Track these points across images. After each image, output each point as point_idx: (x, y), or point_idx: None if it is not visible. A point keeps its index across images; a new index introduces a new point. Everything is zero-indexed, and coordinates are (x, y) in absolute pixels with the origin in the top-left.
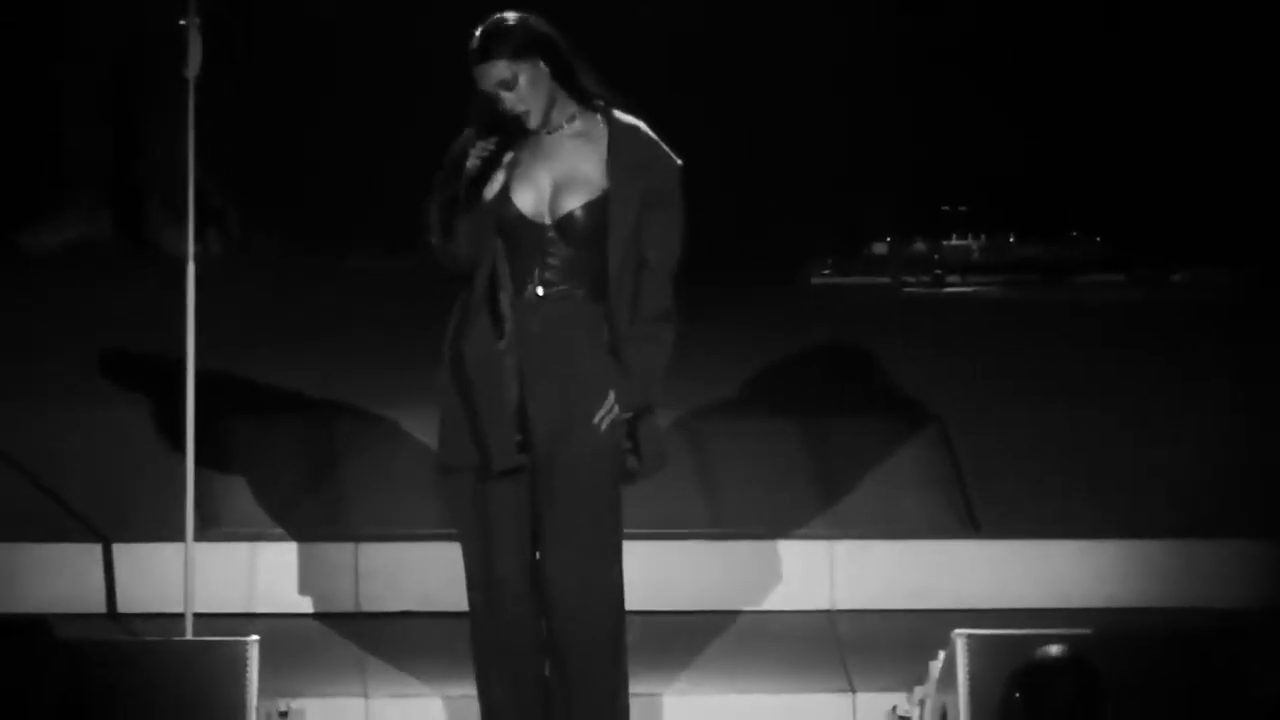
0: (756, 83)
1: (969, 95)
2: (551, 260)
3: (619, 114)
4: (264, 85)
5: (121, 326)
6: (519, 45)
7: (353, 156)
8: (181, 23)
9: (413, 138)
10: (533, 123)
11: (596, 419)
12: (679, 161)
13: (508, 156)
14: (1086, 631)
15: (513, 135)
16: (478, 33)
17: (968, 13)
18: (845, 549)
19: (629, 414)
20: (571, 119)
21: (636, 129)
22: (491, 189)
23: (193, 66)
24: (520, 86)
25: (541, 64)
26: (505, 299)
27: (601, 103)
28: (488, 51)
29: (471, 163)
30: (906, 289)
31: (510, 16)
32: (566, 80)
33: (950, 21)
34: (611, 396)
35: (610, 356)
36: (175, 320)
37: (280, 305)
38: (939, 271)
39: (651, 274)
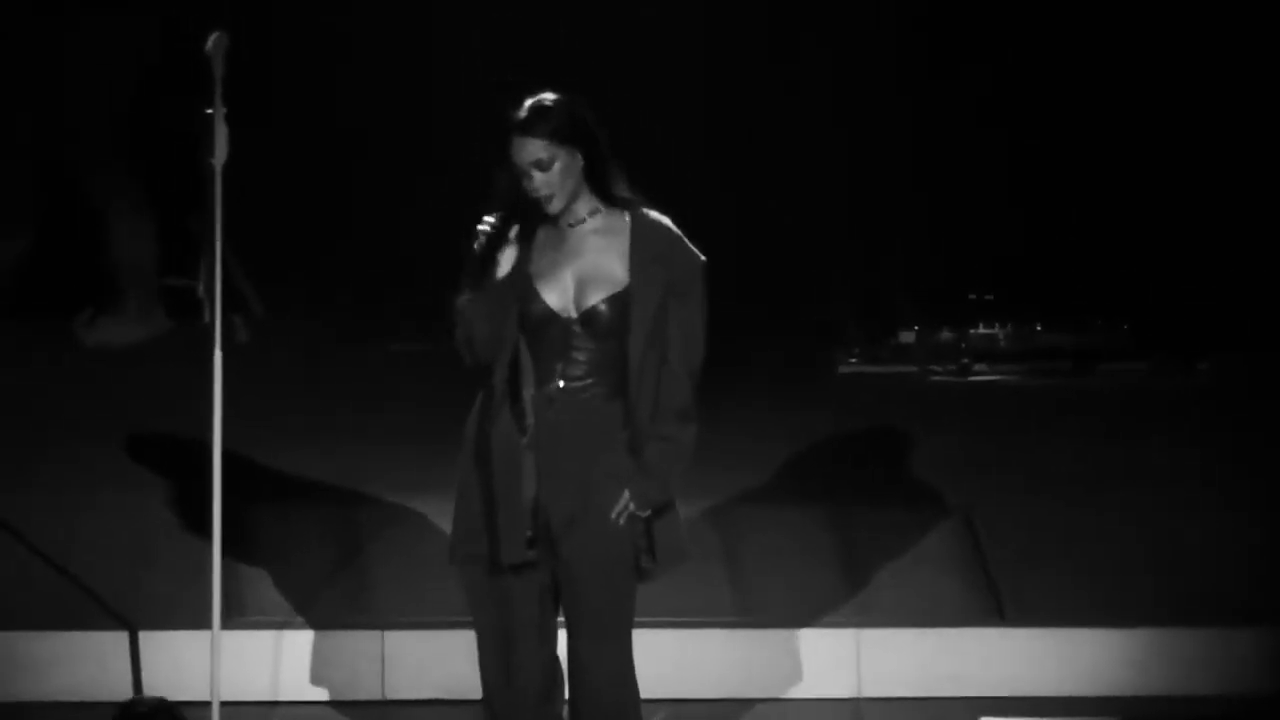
0: (784, 173)
1: (995, 184)
2: (575, 355)
3: (643, 209)
4: (292, 171)
5: (148, 412)
6: (561, 129)
7: (380, 241)
8: (208, 111)
9: (442, 221)
10: (553, 208)
11: (613, 515)
12: (702, 258)
13: (513, 234)
14: (1114, 719)
15: (530, 222)
16: (524, 106)
17: (992, 101)
18: (871, 637)
19: (645, 512)
20: (594, 213)
21: (659, 224)
22: (501, 268)
23: (220, 154)
24: (553, 170)
25: (578, 155)
26: (528, 393)
27: (626, 199)
28: (530, 127)
29: (479, 241)
30: (933, 377)
31: (559, 98)
32: (597, 177)
33: (974, 110)
34: (627, 494)
35: (629, 453)
36: (202, 406)
37: (307, 390)
38: (966, 360)
39: (672, 372)
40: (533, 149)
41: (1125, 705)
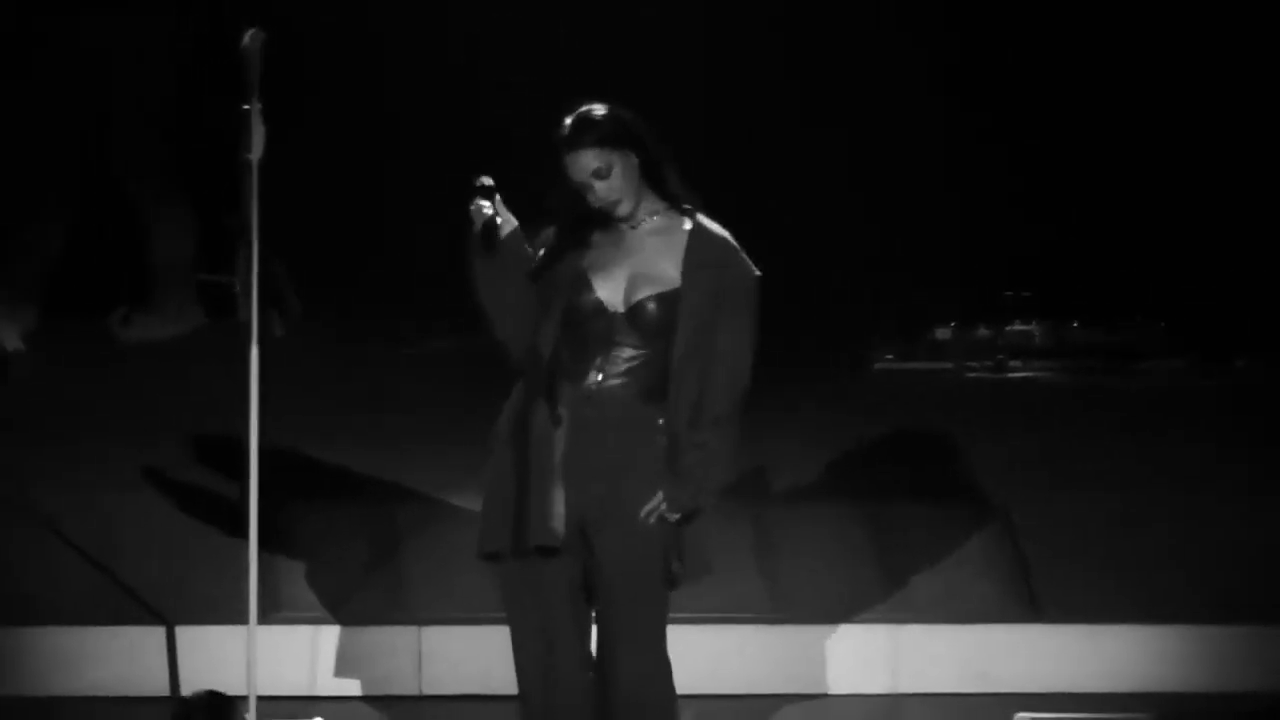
0: (821, 169)
1: (1033, 180)
2: (616, 351)
3: (702, 218)
4: (330, 167)
5: (185, 408)
6: (607, 134)
7: (417, 238)
8: (245, 107)
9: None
10: (622, 211)
11: (643, 513)
12: (757, 272)
13: (497, 214)
14: (1148, 716)
15: (590, 225)
16: (566, 122)
17: (1028, 98)
18: (907, 633)
19: (676, 515)
20: (654, 215)
21: (717, 234)
22: (502, 234)
23: (256, 149)
24: (613, 176)
25: (633, 155)
26: (564, 388)
27: (688, 206)
28: (579, 139)
29: (476, 213)
30: (969, 374)
31: (599, 108)
32: (654, 176)
33: (1011, 105)
34: (660, 495)
35: (663, 457)
36: (238, 402)
37: (343, 387)
38: (1001, 357)
39: (715, 382)
40: (587, 160)
41: (1161, 701)
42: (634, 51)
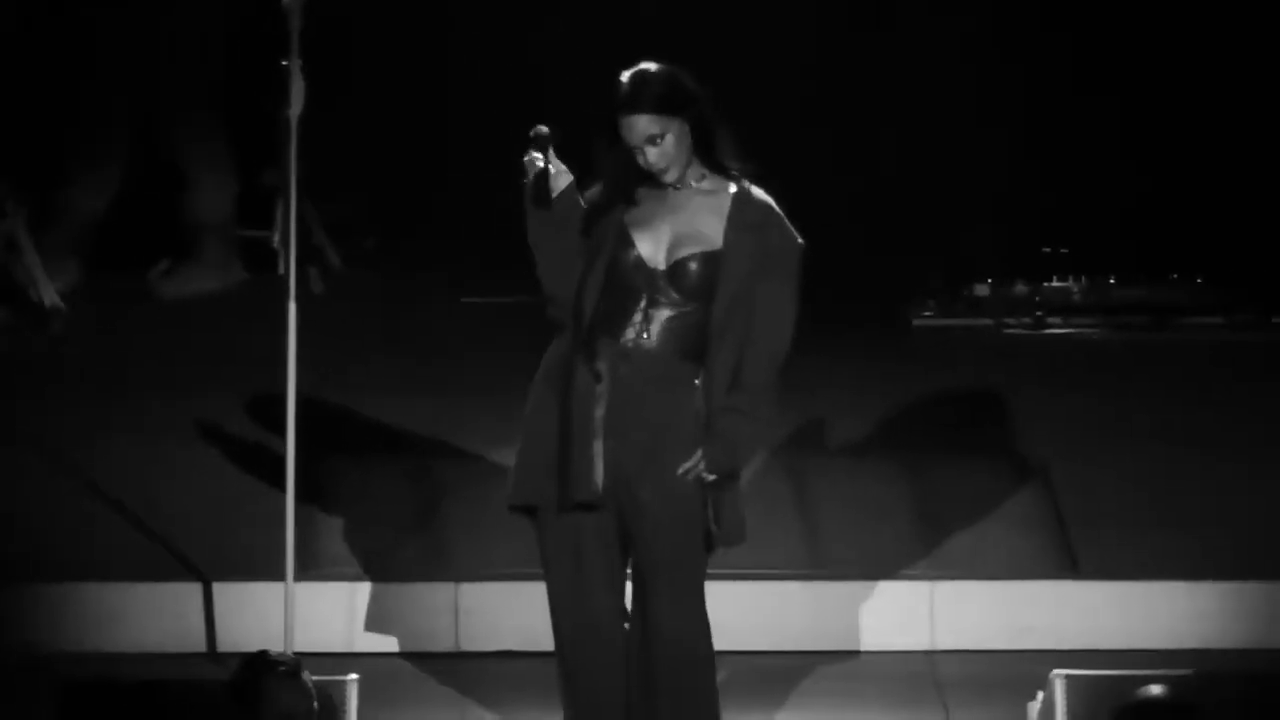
0: (861, 130)
1: (1070, 137)
2: (656, 310)
3: (749, 184)
4: (368, 123)
5: (224, 364)
6: (667, 99)
7: (460, 192)
8: (284, 63)
9: (519, 173)
10: (670, 178)
11: (680, 471)
12: (800, 240)
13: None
14: (1187, 672)
15: (636, 182)
16: (625, 81)
17: (1066, 58)
18: (945, 589)
19: (713, 477)
20: (701, 178)
21: (762, 199)
22: (555, 190)
23: (295, 106)
24: (667, 142)
25: (687, 123)
26: (604, 344)
27: (735, 172)
28: (634, 104)
29: (532, 166)
30: (1007, 330)
31: (657, 68)
32: (705, 145)
33: (1048, 67)
34: (700, 453)
35: (701, 417)
36: (277, 358)
37: (383, 342)
38: (1040, 313)
39: (755, 348)
40: (643, 125)
41: (1198, 658)
42: (734, 19)
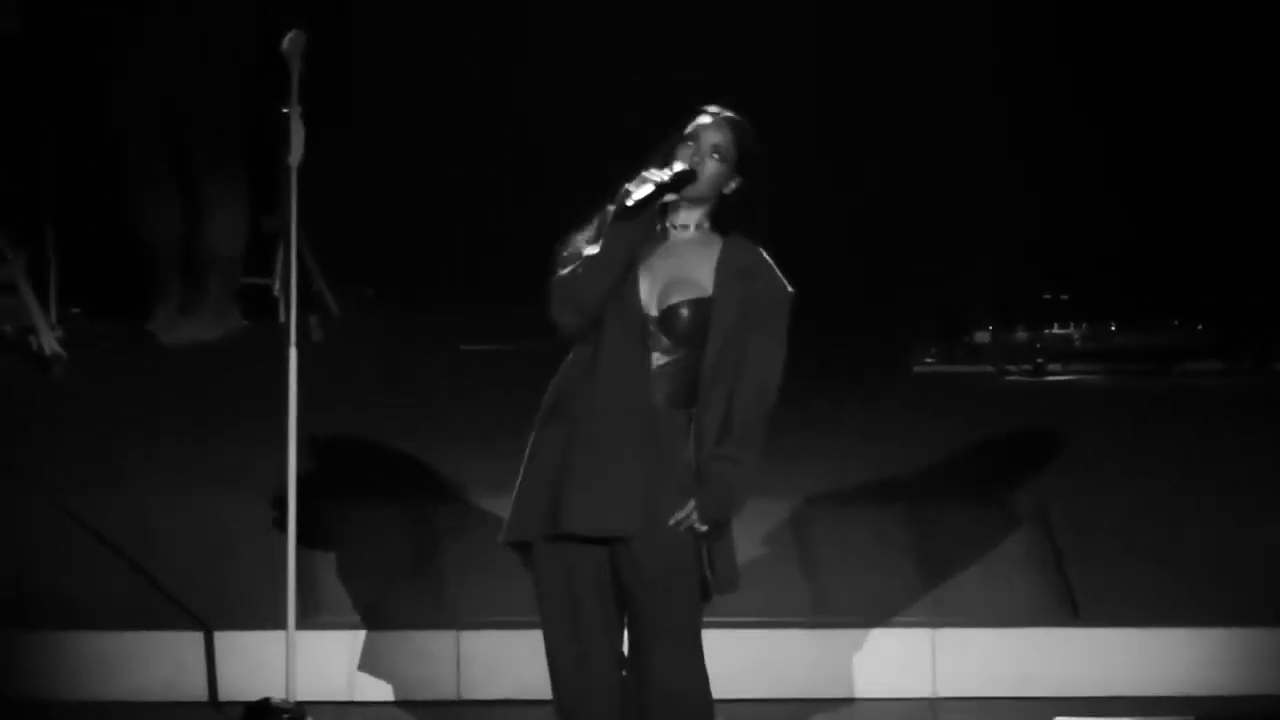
0: (857, 172)
1: (1071, 183)
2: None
3: (739, 235)
4: (368, 171)
5: (225, 411)
6: (745, 135)
7: (454, 241)
8: (284, 110)
9: (521, 220)
10: (696, 191)
11: (672, 521)
12: (790, 289)
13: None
14: (1189, 718)
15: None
16: (726, 110)
17: (1066, 104)
18: (947, 636)
19: (704, 527)
20: (699, 227)
21: (750, 246)
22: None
23: (296, 153)
24: (722, 166)
25: (738, 177)
26: (607, 384)
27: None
28: (730, 122)
29: (650, 180)
30: (1008, 377)
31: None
32: (729, 207)
33: (1049, 113)
34: (692, 503)
35: (690, 466)
36: (278, 405)
37: (382, 390)
38: (1040, 360)
39: (743, 395)
40: (722, 135)
41: (1200, 705)
42: (738, 51)
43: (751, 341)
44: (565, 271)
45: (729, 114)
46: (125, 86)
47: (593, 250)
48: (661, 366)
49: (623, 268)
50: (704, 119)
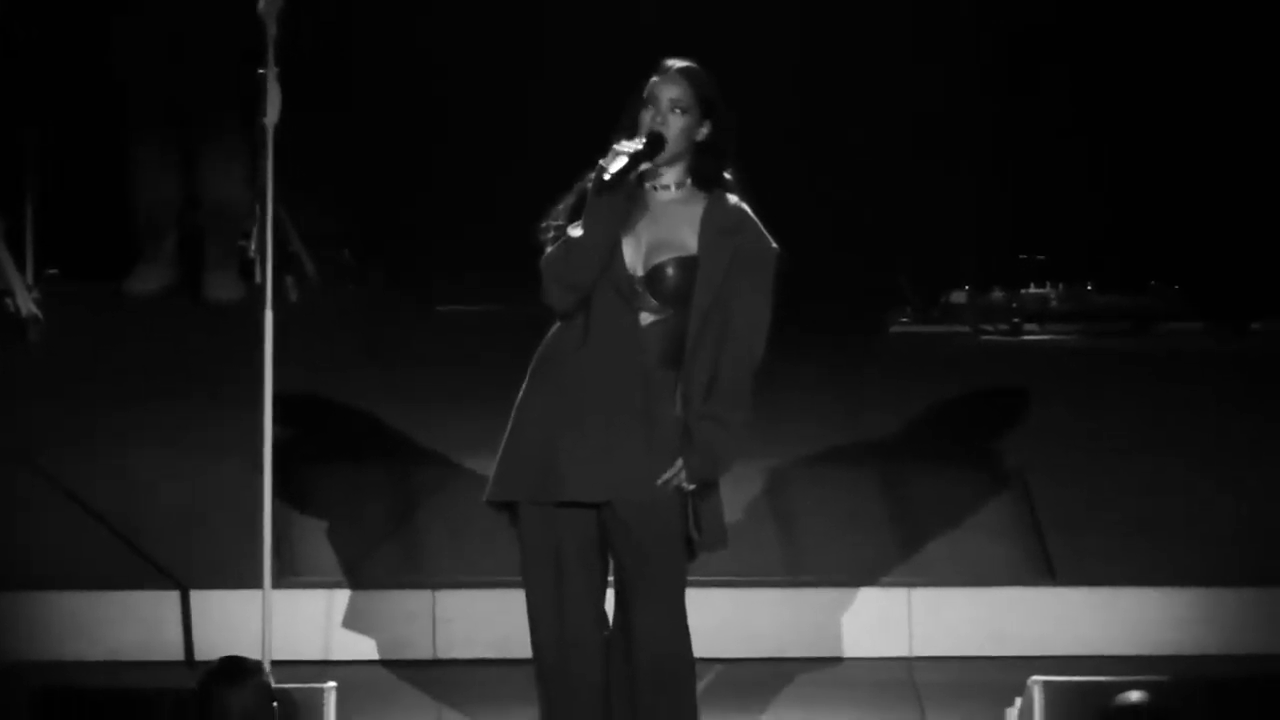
0: (835, 131)
1: (1048, 144)
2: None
3: (724, 191)
4: (348, 133)
5: (200, 373)
6: (703, 84)
7: (431, 200)
8: (260, 71)
9: (507, 186)
10: (666, 151)
11: (660, 481)
12: (775, 246)
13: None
14: (1164, 679)
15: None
16: (677, 60)
17: (1050, 64)
18: (923, 596)
19: (691, 486)
20: (681, 185)
21: (734, 204)
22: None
23: (272, 114)
24: (685, 118)
25: (704, 126)
26: (596, 345)
27: (719, 188)
28: (683, 73)
29: (619, 158)
30: (985, 337)
31: (711, 74)
32: (705, 155)
33: (1031, 72)
34: (679, 463)
35: (679, 425)
36: (254, 366)
37: (360, 351)
38: (1017, 320)
39: (729, 355)
40: (677, 89)
41: (1175, 664)
42: (722, 31)
43: (737, 301)
44: (552, 251)
45: (679, 64)
46: (127, 53)
47: (576, 231)
48: (650, 326)
49: (608, 243)
50: (656, 76)
